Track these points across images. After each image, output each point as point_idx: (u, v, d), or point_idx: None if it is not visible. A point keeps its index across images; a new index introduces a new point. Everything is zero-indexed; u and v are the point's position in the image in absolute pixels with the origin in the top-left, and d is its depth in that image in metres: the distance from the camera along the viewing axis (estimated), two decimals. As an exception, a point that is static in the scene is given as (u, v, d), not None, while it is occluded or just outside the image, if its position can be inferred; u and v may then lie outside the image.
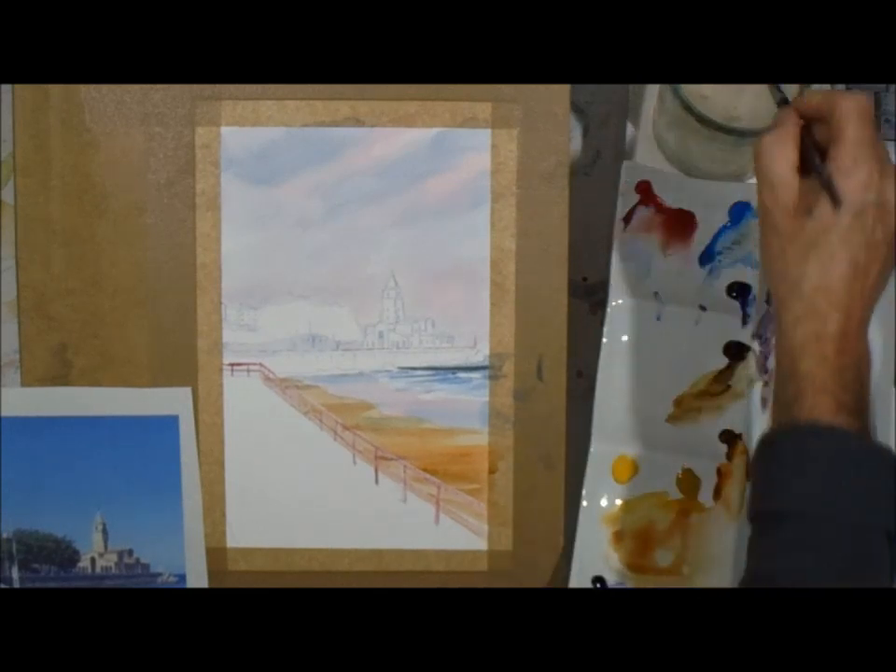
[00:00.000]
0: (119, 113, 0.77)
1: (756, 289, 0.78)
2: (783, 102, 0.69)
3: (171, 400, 0.78)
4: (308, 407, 0.79)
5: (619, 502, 0.78)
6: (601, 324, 0.78)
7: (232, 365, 0.79)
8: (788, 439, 0.62)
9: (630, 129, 0.82)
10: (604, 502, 0.78)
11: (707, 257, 0.78)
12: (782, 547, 0.61)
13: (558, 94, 0.77)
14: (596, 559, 0.77)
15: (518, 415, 0.78)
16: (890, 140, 0.82)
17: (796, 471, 0.61)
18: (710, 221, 0.78)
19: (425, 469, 0.79)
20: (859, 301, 0.62)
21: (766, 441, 0.64)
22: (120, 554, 0.79)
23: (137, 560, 0.79)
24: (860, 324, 0.62)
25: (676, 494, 0.78)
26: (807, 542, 0.60)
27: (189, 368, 0.78)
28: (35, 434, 0.78)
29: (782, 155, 0.64)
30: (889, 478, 0.61)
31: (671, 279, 0.79)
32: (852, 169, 0.61)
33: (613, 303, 0.78)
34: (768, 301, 0.78)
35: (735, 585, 0.75)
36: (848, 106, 0.63)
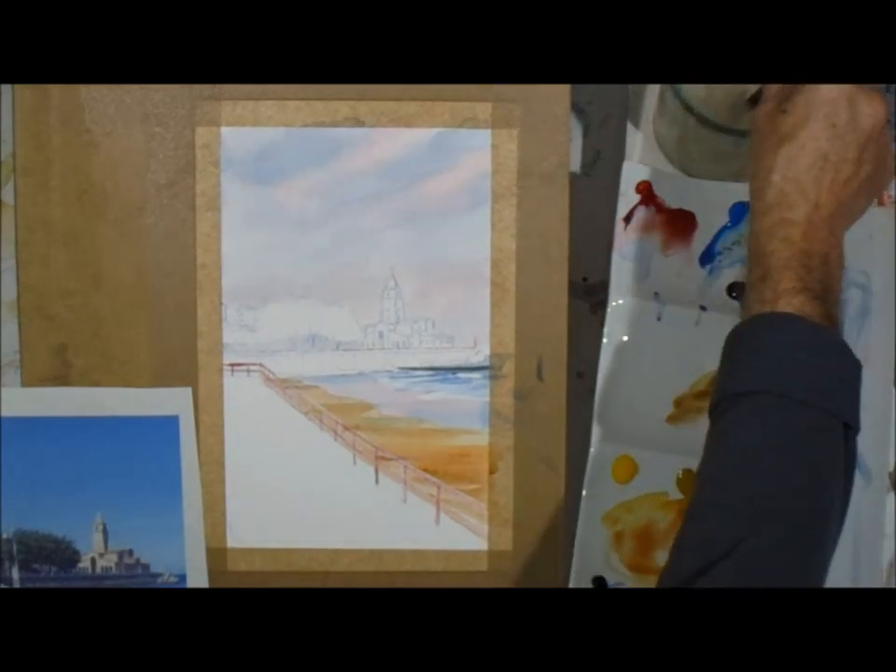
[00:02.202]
0: (119, 113, 0.77)
1: (756, 289, 0.78)
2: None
3: (171, 401, 0.78)
4: (308, 407, 0.79)
5: (619, 502, 0.78)
6: (601, 324, 0.78)
7: (233, 365, 0.79)
8: (747, 328, 0.64)
9: (630, 129, 0.82)
10: (604, 502, 0.78)
11: (707, 257, 0.78)
12: (735, 423, 0.62)
13: (558, 94, 0.77)
14: (596, 559, 0.77)
15: (518, 415, 0.78)
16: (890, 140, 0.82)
17: (752, 356, 0.63)
18: (710, 221, 0.78)
19: (425, 470, 0.79)
20: (827, 193, 0.64)
21: (729, 337, 0.65)
22: (120, 555, 0.79)
23: (137, 560, 0.79)
24: (829, 217, 0.64)
25: (676, 494, 0.78)
26: (760, 417, 0.61)
27: (190, 368, 0.78)
28: (36, 434, 0.78)
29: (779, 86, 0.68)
30: (846, 370, 0.63)
31: (671, 279, 0.78)
32: (825, 86, 0.65)
33: (613, 303, 0.78)
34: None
35: (736, 585, 0.75)
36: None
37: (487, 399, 0.79)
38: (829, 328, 0.63)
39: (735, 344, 0.65)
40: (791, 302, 0.62)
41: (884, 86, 0.82)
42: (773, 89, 0.68)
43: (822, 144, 0.64)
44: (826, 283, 0.63)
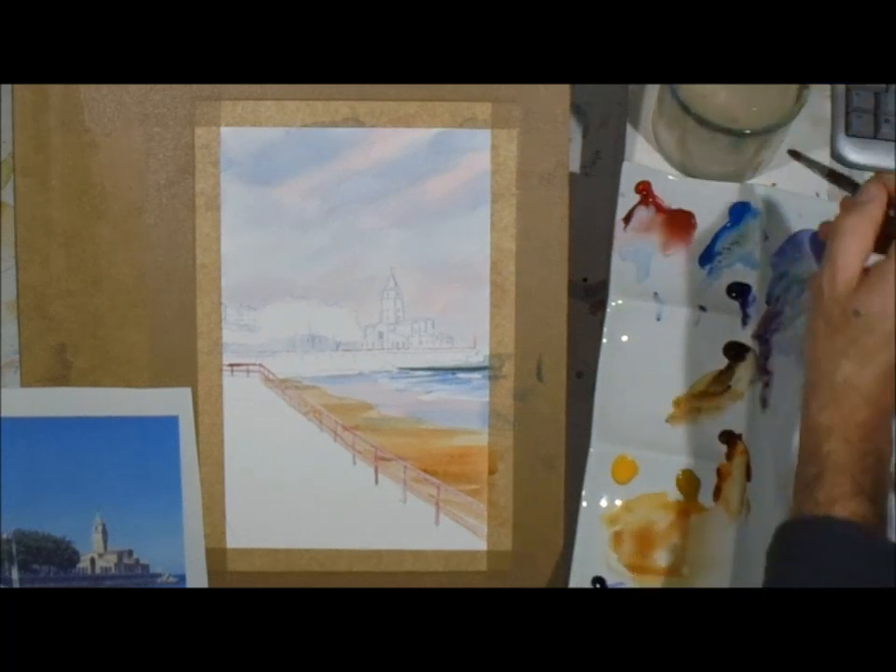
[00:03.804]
0: (119, 113, 0.77)
1: (756, 290, 0.78)
2: (851, 184, 0.70)
3: (170, 401, 0.78)
4: (308, 407, 0.79)
5: (619, 502, 0.78)
6: (601, 324, 0.78)
7: (232, 365, 0.79)
8: (801, 531, 0.63)
9: (630, 129, 0.82)
10: (604, 502, 0.78)
11: (706, 257, 0.78)
12: None
13: (558, 94, 0.77)
14: (596, 559, 0.77)
15: (518, 416, 0.78)
16: (890, 140, 0.82)
17: (806, 563, 0.62)
18: (710, 222, 0.78)
19: (424, 470, 0.79)
20: (887, 397, 0.63)
21: (781, 534, 0.64)
22: (120, 555, 0.79)
23: (137, 560, 0.79)
24: (885, 415, 0.64)
25: (675, 494, 0.78)
26: None
27: (189, 368, 0.78)
28: (35, 435, 0.78)
29: (856, 242, 0.64)
30: None
31: (671, 279, 0.78)
32: None
33: (613, 304, 0.78)
34: (768, 302, 0.78)
35: (735, 585, 0.75)
36: None
37: (487, 399, 0.79)
38: (881, 529, 0.62)
39: (788, 545, 0.63)
40: (846, 506, 0.62)
41: (884, 86, 0.82)
42: (843, 259, 0.64)
43: (891, 356, 0.63)
44: (878, 479, 0.63)
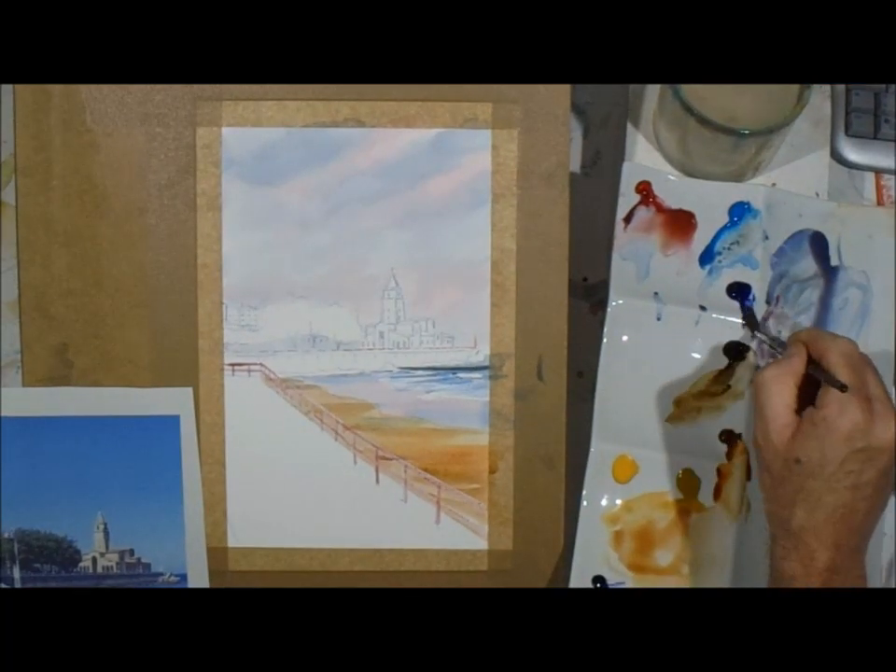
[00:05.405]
0: (120, 113, 0.77)
1: (756, 290, 0.78)
2: (781, 345, 0.73)
3: (172, 400, 0.78)
4: (309, 407, 0.79)
5: (619, 502, 0.78)
6: (601, 324, 0.78)
7: (233, 365, 0.79)
8: None
9: (630, 129, 0.82)
10: (604, 502, 0.78)
11: (706, 257, 0.78)
12: None
13: (558, 95, 0.77)
14: (596, 559, 0.77)
15: (518, 415, 0.78)
16: (890, 140, 0.82)
17: None
18: (710, 221, 0.78)
19: (425, 469, 0.79)
20: (846, 536, 0.64)
21: None
22: (121, 554, 0.79)
23: (138, 560, 0.80)
24: (851, 554, 0.64)
25: (676, 494, 0.78)
26: None
27: (190, 368, 0.78)
28: (37, 434, 0.78)
29: (780, 392, 0.66)
30: None
31: (671, 279, 0.79)
32: (837, 420, 0.63)
33: (613, 303, 0.78)
34: (768, 302, 0.78)
35: (734, 585, 0.75)
36: (834, 354, 0.65)
37: (487, 398, 0.79)
38: None
39: None
40: None
41: (884, 86, 0.82)
42: (770, 410, 0.66)
43: (840, 494, 0.63)
44: None
